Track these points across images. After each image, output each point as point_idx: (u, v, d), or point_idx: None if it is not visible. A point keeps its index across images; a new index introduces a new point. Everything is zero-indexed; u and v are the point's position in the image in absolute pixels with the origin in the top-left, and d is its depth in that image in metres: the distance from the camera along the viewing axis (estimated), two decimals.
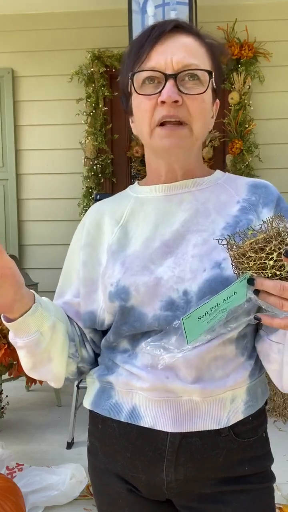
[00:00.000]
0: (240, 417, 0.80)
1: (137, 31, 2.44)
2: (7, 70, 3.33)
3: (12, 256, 2.89)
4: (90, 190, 3.25)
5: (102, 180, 3.28)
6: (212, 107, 0.84)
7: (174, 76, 0.75)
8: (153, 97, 0.77)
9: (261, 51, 3.21)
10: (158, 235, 0.81)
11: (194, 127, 0.78)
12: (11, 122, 3.36)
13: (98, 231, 0.88)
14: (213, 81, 0.79)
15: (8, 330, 2.08)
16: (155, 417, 0.78)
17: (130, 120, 0.87)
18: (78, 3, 3.19)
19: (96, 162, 3.24)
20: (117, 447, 0.83)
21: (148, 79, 0.77)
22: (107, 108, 3.25)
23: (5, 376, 2.51)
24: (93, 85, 3.21)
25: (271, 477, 0.85)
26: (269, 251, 0.60)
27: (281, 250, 0.59)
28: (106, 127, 3.25)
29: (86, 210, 3.28)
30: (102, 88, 3.19)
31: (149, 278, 0.77)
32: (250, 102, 3.20)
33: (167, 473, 0.79)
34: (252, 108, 3.21)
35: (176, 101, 0.74)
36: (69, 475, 1.88)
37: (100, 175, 3.26)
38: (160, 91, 0.75)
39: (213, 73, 0.78)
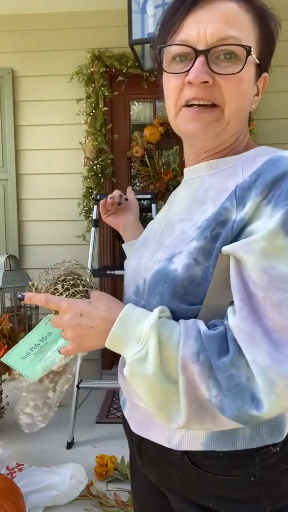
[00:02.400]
0: (198, 447, 0.69)
1: (137, 31, 2.43)
2: (7, 70, 3.32)
3: (12, 257, 2.88)
4: (90, 190, 3.25)
5: (102, 180, 3.28)
6: (255, 84, 0.73)
7: (206, 52, 0.64)
8: (181, 76, 0.67)
9: None
10: (159, 223, 0.83)
11: (227, 110, 0.68)
12: (11, 122, 3.36)
13: None
14: (254, 57, 0.68)
15: (8, 331, 2.09)
16: (129, 412, 0.82)
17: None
18: (78, 3, 3.19)
19: (96, 162, 3.23)
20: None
21: (178, 56, 0.67)
22: (107, 108, 3.24)
23: (5, 376, 2.51)
24: (93, 85, 3.20)
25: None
26: (58, 294, 0.72)
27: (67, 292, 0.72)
28: (106, 127, 3.25)
29: (86, 210, 3.29)
30: (102, 88, 3.19)
31: (135, 262, 0.81)
32: None
33: (140, 464, 0.84)
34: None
35: (205, 82, 0.65)
36: (69, 475, 1.88)
37: (100, 175, 3.25)
38: (189, 69, 0.66)
39: (252, 49, 0.66)
